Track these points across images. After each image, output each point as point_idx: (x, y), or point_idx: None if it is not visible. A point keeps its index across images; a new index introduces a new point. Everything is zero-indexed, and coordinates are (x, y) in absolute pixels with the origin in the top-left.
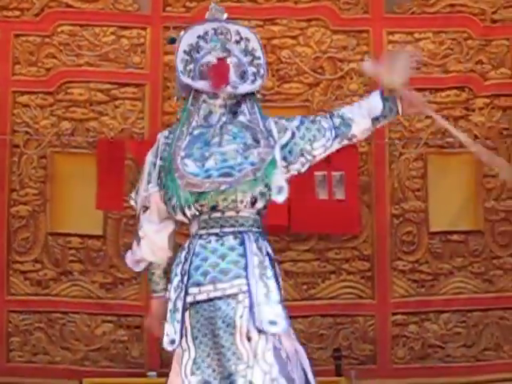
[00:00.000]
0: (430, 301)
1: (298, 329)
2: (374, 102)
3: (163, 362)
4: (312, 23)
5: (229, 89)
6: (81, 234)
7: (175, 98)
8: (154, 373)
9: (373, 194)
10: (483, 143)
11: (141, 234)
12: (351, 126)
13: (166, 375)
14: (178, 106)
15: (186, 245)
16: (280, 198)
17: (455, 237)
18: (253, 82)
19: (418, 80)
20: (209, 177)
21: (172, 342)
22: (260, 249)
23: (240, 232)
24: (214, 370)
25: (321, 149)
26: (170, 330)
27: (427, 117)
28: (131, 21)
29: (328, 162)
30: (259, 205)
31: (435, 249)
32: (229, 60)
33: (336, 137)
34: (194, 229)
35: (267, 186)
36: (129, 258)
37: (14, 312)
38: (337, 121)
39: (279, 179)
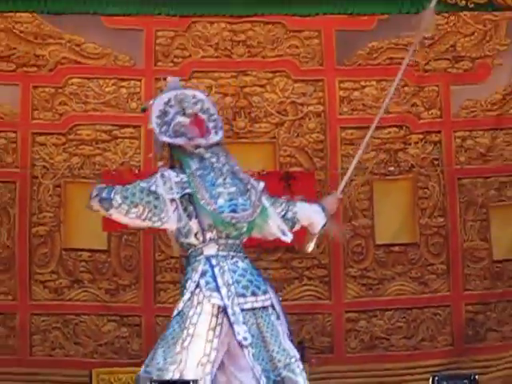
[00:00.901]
0: (376, 301)
1: None
2: (318, 219)
3: None
4: (277, 74)
5: (205, 140)
6: (89, 249)
7: (155, 154)
8: None
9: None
10: (418, 171)
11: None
12: (296, 223)
13: None
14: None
15: (211, 262)
16: (286, 239)
17: (396, 248)
18: (216, 133)
19: (365, 120)
20: (222, 212)
21: (245, 339)
22: None
23: (245, 256)
24: (266, 363)
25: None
26: (242, 329)
27: (373, 149)
28: (128, 74)
29: (290, 188)
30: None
31: (380, 258)
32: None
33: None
34: (212, 250)
35: (262, 227)
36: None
37: (36, 314)
38: (289, 214)
39: (276, 224)
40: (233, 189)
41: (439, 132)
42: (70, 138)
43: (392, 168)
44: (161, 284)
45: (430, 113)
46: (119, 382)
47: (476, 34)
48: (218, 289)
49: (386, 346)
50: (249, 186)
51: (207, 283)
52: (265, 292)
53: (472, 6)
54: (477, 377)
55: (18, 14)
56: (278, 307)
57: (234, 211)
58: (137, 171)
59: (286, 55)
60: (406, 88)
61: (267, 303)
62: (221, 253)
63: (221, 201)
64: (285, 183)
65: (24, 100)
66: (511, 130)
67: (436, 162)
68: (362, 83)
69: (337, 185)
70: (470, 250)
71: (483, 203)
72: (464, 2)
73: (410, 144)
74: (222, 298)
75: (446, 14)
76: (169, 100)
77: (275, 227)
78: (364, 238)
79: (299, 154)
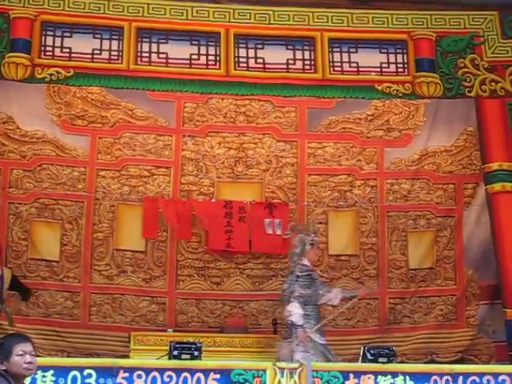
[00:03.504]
0: None
1: (253, 307)
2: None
3: (176, 324)
4: (265, 136)
5: None
6: (132, 250)
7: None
8: (171, 329)
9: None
10: (360, 206)
11: None
12: None
13: (178, 331)
14: None
15: None
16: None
17: (343, 257)
18: None
19: (324, 169)
20: None
21: None
22: None
23: None
24: None
25: None
26: None
27: (329, 189)
28: (164, 131)
29: (271, 213)
30: None
31: (331, 264)
32: None
33: None
34: None
35: None
36: None
37: (93, 293)
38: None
39: None
40: None
41: (375, 179)
42: (122, 173)
43: (342, 203)
44: (180, 276)
45: (369, 166)
46: (149, 342)
47: (403, 113)
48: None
49: (333, 324)
50: None
51: None
52: None
53: (401, 94)
54: (394, 348)
55: (90, 88)
56: None
57: None
58: (167, 198)
59: (272, 123)
60: (353, 148)
61: None
62: None
63: None
64: (268, 210)
65: (92, 146)
66: (425, 180)
67: (372, 200)
68: (324, 144)
69: (303, 212)
70: (393, 261)
71: (403, 229)
72: (395, 92)
73: (354, 187)
74: None
75: (383, 99)
76: None
77: None
78: (321, 250)
79: (279, 191)
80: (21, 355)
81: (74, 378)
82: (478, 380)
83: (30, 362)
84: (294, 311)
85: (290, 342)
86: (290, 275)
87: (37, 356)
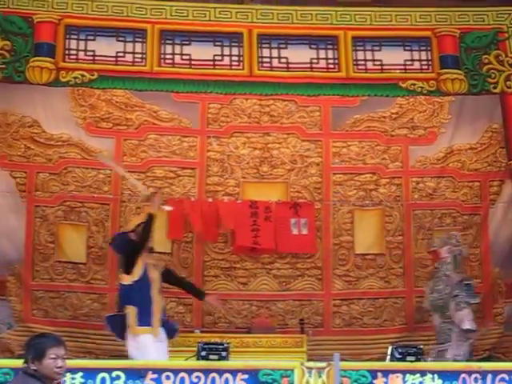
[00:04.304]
0: (354, 292)
1: (280, 307)
2: None
3: (203, 325)
4: (290, 135)
5: None
6: (158, 252)
7: None
8: (198, 330)
9: (323, 231)
10: (385, 204)
11: None
12: None
13: (206, 332)
14: None
15: None
16: None
17: (369, 256)
18: None
19: (349, 168)
20: None
21: None
22: None
23: None
24: None
25: None
26: None
27: (355, 189)
28: (189, 133)
29: (297, 213)
30: None
31: (357, 263)
32: None
33: None
34: None
35: None
36: None
37: None
38: None
39: None
40: None
41: (400, 177)
42: (147, 175)
43: (367, 202)
44: (206, 277)
45: (394, 164)
46: (176, 343)
47: (427, 110)
48: None
49: (360, 323)
50: None
51: None
52: None
53: (425, 91)
54: (422, 347)
55: (114, 90)
56: None
57: None
58: (192, 199)
59: (297, 123)
60: (378, 147)
61: None
62: None
63: None
64: (294, 210)
65: (117, 148)
66: (450, 178)
67: (398, 198)
68: (349, 143)
69: (329, 212)
70: (419, 259)
71: (429, 227)
72: (420, 89)
73: (380, 185)
74: None
75: (407, 97)
76: None
77: None
78: (347, 249)
79: (304, 191)
80: (53, 359)
81: (103, 380)
82: (507, 378)
83: (60, 367)
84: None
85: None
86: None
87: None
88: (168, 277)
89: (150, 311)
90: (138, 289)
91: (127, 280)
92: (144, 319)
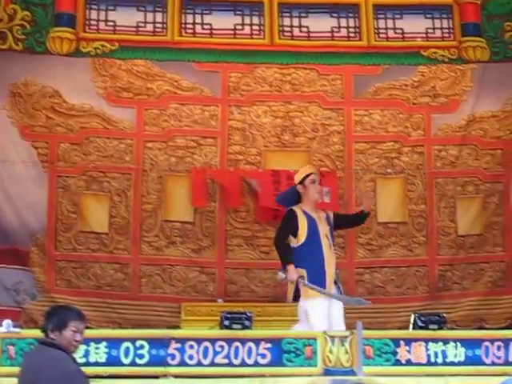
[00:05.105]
0: (376, 261)
1: None
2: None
3: (226, 294)
4: (312, 104)
5: None
6: (181, 221)
7: None
8: (221, 300)
9: (345, 199)
10: (407, 173)
11: None
12: None
13: (229, 301)
14: None
15: None
16: None
17: (392, 225)
18: None
19: (371, 136)
20: None
21: None
22: None
23: None
24: None
25: None
26: None
27: (377, 157)
28: (210, 102)
29: (319, 182)
30: None
31: (380, 231)
32: None
33: None
34: None
35: None
36: None
37: (143, 264)
38: None
39: None
40: None
41: (422, 146)
42: (169, 144)
43: (389, 170)
44: (229, 246)
45: (416, 132)
46: (199, 312)
47: (449, 78)
48: None
49: (383, 292)
50: None
51: None
52: None
53: (447, 60)
54: (444, 315)
55: (135, 60)
56: None
57: None
58: (214, 169)
59: (318, 91)
60: (400, 115)
61: None
62: None
63: None
64: None
65: (139, 118)
66: (472, 146)
67: (420, 167)
68: (370, 111)
69: (351, 180)
70: (442, 228)
71: (452, 195)
72: (441, 57)
73: (402, 154)
74: None
75: (429, 65)
76: None
77: None
78: (369, 218)
79: (326, 159)
80: (74, 331)
81: (127, 350)
82: None
83: (78, 341)
84: None
85: None
86: None
87: (88, 328)
88: (339, 222)
89: (322, 272)
90: (307, 250)
91: (294, 243)
92: (316, 281)
